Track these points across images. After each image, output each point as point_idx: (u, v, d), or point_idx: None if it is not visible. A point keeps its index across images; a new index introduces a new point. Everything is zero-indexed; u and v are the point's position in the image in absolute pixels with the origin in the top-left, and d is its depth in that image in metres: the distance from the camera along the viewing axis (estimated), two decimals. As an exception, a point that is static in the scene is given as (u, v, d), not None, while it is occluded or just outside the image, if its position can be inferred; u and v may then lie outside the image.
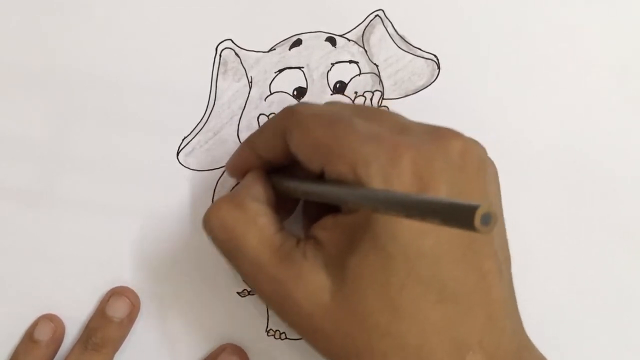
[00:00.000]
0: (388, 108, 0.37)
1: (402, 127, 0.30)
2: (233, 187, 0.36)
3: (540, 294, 0.36)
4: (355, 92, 0.37)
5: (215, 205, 0.31)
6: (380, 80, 0.37)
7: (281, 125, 0.31)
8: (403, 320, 0.27)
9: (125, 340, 0.36)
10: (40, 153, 0.36)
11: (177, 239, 0.36)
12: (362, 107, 0.32)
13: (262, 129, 0.33)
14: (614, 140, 0.37)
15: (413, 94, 0.37)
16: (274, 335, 0.36)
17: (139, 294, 0.36)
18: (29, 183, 0.36)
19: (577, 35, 0.37)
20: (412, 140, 0.28)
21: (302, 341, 0.35)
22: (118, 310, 0.35)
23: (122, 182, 0.36)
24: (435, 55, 0.37)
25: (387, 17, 0.37)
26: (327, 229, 0.30)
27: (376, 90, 0.37)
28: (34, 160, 0.36)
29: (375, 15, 0.37)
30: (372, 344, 0.28)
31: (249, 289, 0.36)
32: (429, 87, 0.37)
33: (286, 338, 0.36)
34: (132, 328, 0.36)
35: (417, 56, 0.37)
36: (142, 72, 0.37)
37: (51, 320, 0.36)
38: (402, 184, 0.27)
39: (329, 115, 0.30)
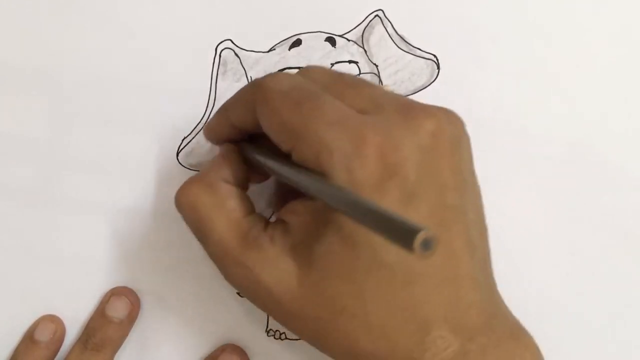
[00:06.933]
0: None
1: (375, 104, 0.29)
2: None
3: (541, 293, 0.36)
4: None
5: (186, 184, 0.31)
6: (380, 80, 0.37)
7: (250, 99, 0.30)
8: (369, 304, 0.28)
9: (125, 340, 0.36)
10: (40, 153, 0.36)
11: (177, 239, 0.36)
12: (337, 77, 0.31)
13: (234, 100, 0.32)
14: (615, 139, 0.37)
15: (413, 94, 0.37)
16: (274, 336, 0.36)
17: (139, 294, 0.36)
18: (29, 183, 0.36)
19: (578, 34, 0.37)
20: (381, 123, 0.28)
21: (302, 341, 0.35)
22: (118, 310, 0.35)
23: (122, 182, 0.36)
24: (435, 55, 0.37)
25: (386, 17, 0.37)
26: (295, 213, 0.30)
27: (376, 91, 0.37)
28: (34, 160, 0.36)
29: (375, 16, 0.37)
30: (340, 326, 0.28)
31: (249, 289, 0.36)
32: (429, 87, 0.37)
33: (286, 338, 0.36)
34: (132, 328, 0.36)
35: (417, 56, 0.37)
36: (142, 72, 0.37)
37: (52, 321, 0.36)
38: (366, 172, 0.27)
39: (297, 93, 0.29)
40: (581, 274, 0.36)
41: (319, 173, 0.28)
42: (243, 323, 0.36)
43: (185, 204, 0.31)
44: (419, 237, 0.21)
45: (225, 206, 0.30)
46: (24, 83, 0.37)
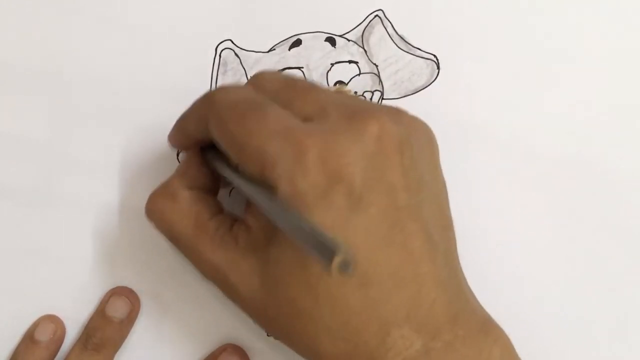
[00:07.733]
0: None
1: (321, 110, 0.29)
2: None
3: (540, 293, 0.36)
4: (355, 92, 0.37)
5: (152, 196, 0.32)
6: (380, 80, 0.37)
7: (203, 112, 0.30)
8: (324, 306, 0.28)
9: (125, 340, 0.36)
10: (40, 153, 0.36)
11: (177, 239, 0.36)
12: (287, 84, 0.31)
13: (189, 112, 0.32)
14: (615, 139, 0.37)
15: (413, 94, 0.37)
16: (274, 335, 0.36)
17: (139, 294, 0.36)
18: (29, 183, 0.36)
19: (578, 35, 0.37)
20: (323, 130, 0.28)
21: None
22: (118, 310, 0.35)
23: (122, 182, 0.36)
24: (435, 55, 0.37)
25: (386, 17, 0.37)
26: (253, 214, 0.30)
27: (376, 90, 0.37)
28: (34, 160, 0.36)
29: (375, 16, 0.37)
30: (300, 327, 0.29)
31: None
32: (429, 87, 0.37)
33: (286, 338, 0.36)
34: (132, 328, 0.36)
35: (417, 56, 0.37)
36: (142, 72, 0.37)
37: (52, 321, 0.36)
38: (309, 182, 0.27)
39: (243, 105, 0.29)
40: (581, 274, 0.36)
41: (268, 186, 0.28)
42: (243, 323, 0.36)
43: (154, 214, 0.32)
44: (337, 260, 0.21)
45: (191, 211, 0.31)
46: (24, 83, 0.37)
